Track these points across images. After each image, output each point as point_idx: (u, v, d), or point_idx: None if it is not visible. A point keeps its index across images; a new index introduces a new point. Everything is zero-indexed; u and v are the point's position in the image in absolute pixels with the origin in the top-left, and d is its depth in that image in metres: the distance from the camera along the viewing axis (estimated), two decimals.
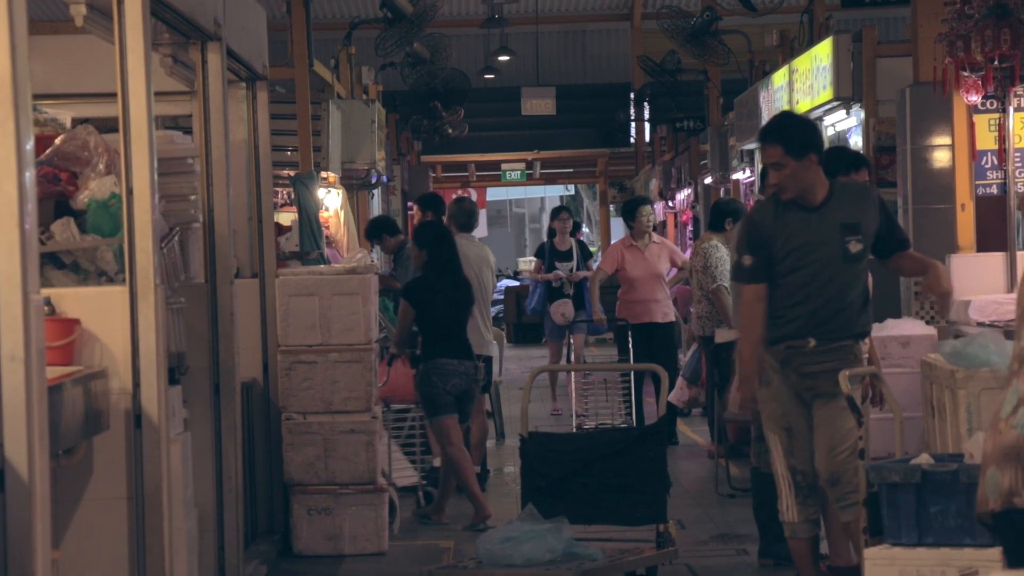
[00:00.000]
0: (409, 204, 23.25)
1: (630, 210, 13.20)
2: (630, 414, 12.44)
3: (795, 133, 6.70)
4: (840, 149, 8.43)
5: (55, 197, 5.96)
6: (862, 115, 12.58)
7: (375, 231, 13.44)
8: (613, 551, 7.17)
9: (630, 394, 12.53)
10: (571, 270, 15.31)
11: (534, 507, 7.08)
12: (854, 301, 6.71)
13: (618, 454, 7.35)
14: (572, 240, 15.86)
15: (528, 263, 34.87)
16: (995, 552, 5.09)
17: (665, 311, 12.92)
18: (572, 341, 14.80)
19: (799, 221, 6.69)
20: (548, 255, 15.68)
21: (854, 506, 6.40)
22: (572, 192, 49.32)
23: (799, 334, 6.68)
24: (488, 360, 11.15)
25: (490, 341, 11.22)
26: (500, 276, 34.48)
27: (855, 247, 6.64)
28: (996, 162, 10.30)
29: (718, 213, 11.53)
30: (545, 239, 16.23)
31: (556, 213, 16.45)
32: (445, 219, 11.10)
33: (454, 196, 15.43)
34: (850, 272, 6.68)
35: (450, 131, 23.77)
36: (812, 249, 6.66)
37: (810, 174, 6.67)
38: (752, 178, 17.21)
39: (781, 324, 6.71)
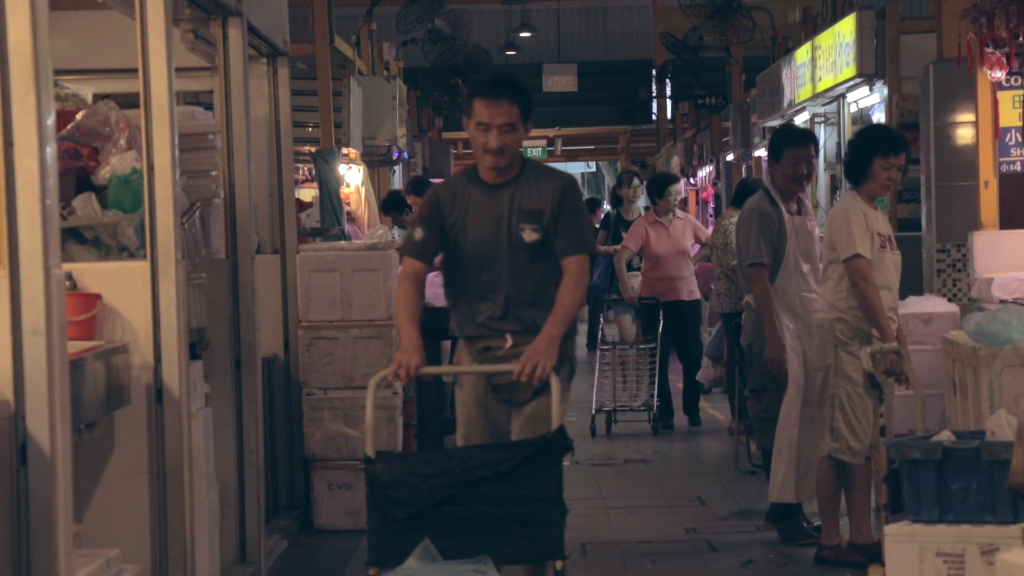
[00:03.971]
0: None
1: (659, 187, 12.94)
2: (652, 395, 12.27)
3: (528, 98, 5.72)
4: (882, 128, 8.39)
5: (76, 172, 5.97)
6: (885, 92, 12.54)
7: (397, 205, 13.39)
8: None
9: (655, 374, 12.31)
10: None
11: (430, 544, 5.37)
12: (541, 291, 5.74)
13: (501, 476, 5.62)
14: (640, 209, 14.59)
15: None
16: (1016, 529, 5.08)
17: (691, 288, 12.65)
18: (618, 322, 14.40)
19: (476, 200, 5.75)
20: (614, 226, 14.90)
21: None
22: (593, 169, 49.29)
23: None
24: None
25: None
26: None
27: (530, 236, 5.68)
28: (1020, 139, 10.25)
29: (743, 190, 11.46)
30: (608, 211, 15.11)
31: (624, 179, 15.11)
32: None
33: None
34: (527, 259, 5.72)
35: None
36: (482, 232, 5.74)
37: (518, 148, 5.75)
38: None
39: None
